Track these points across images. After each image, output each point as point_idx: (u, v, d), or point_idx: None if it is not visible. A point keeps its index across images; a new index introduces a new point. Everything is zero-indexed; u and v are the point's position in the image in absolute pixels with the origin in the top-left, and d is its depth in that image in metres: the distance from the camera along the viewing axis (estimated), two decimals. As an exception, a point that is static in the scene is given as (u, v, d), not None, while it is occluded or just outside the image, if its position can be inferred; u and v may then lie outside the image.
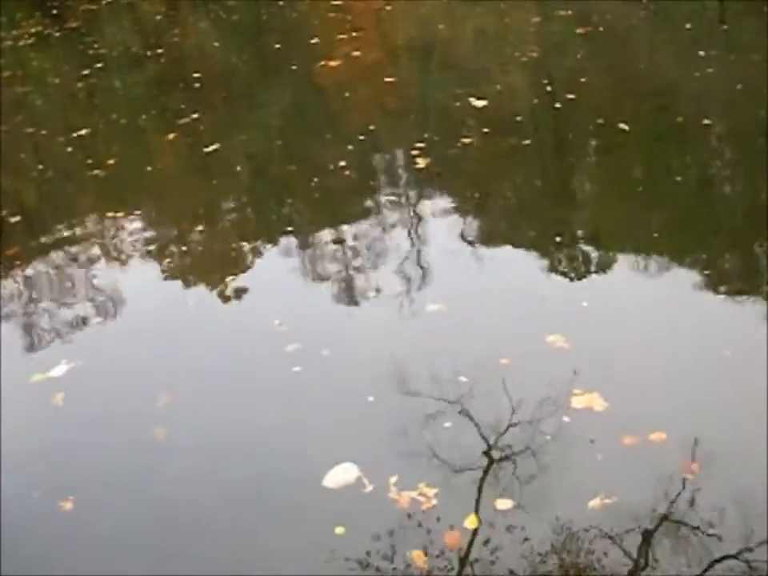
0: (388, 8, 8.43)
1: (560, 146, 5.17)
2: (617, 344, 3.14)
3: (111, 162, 5.44)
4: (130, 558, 2.53)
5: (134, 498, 2.73)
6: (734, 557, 2.26)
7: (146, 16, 9.74)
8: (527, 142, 4.99)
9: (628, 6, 7.36)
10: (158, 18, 9.47)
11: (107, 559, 2.53)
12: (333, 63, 6.82)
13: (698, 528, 2.36)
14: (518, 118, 5.33)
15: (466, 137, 5.09)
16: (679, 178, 4.45)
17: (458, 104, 5.59)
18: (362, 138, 5.30)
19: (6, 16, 9.83)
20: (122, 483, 2.79)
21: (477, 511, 2.50)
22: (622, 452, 2.63)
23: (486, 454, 2.72)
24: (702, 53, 5.89)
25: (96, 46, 8.20)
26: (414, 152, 4.97)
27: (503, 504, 2.51)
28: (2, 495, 2.77)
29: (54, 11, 9.69)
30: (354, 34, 7.56)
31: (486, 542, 2.40)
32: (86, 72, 7.33)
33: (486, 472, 2.64)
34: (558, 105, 5.42)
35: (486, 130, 5.19)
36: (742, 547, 2.28)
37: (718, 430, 2.66)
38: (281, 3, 8.92)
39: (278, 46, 7.67)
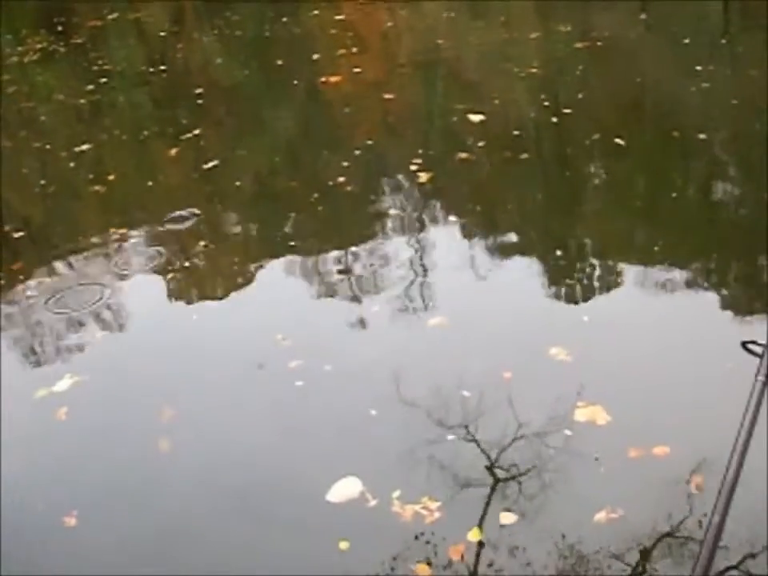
0: (389, 24, 8.51)
1: (557, 160, 5.20)
2: (620, 357, 3.14)
3: (112, 177, 5.47)
4: (134, 572, 2.53)
5: (139, 512, 2.73)
6: (736, 567, 2.26)
7: (150, 32, 9.82)
8: (524, 156, 5.02)
9: (628, 21, 7.42)
10: (163, 34, 9.54)
11: (111, 574, 2.53)
12: (334, 79, 6.87)
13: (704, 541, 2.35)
14: (516, 133, 5.36)
15: (463, 151, 5.12)
16: (675, 194, 4.47)
17: (455, 119, 5.63)
18: (362, 153, 5.33)
19: (11, 32, 9.92)
20: (126, 497, 2.80)
21: (480, 525, 2.50)
22: (627, 466, 2.63)
23: (489, 467, 2.72)
24: (699, 67, 5.93)
25: (100, 62, 8.26)
26: (414, 167, 5.00)
27: (507, 518, 2.51)
28: (6, 510, 2.78)
29: (60, 27, 9.76)
30: (355, 50, 7.62)
31: (490, 556, 2.40)
32: (90, 88, 7.39)
33: (489, 485, 2.65)
34: (555, 119, 5.45)
35: (482, 144, 5.22)
36: (745, 558, 2.28)
37: (722, 442, 2.66)
38: (284, 19, 8.99)
39: (280, 62, 7.73)
